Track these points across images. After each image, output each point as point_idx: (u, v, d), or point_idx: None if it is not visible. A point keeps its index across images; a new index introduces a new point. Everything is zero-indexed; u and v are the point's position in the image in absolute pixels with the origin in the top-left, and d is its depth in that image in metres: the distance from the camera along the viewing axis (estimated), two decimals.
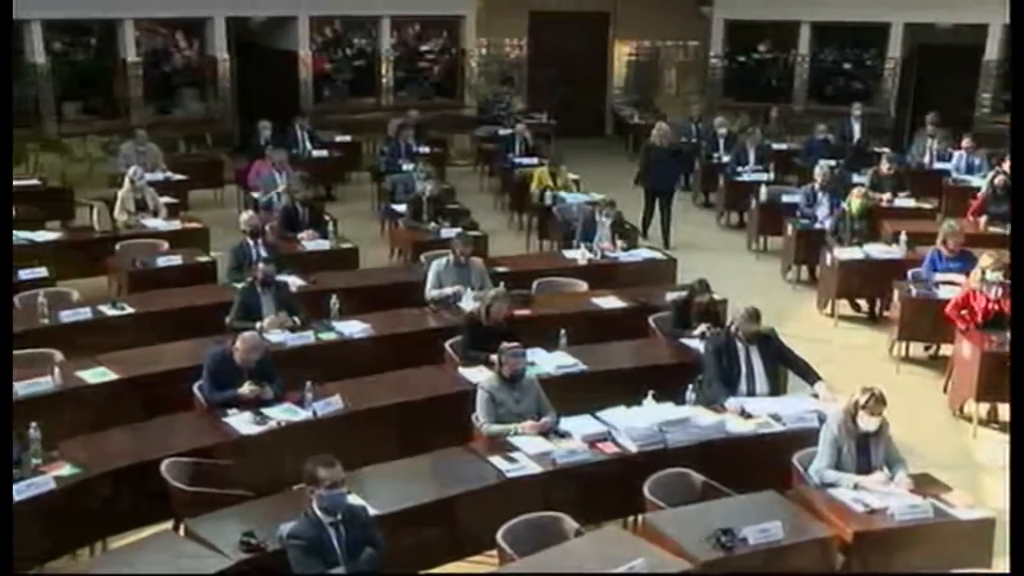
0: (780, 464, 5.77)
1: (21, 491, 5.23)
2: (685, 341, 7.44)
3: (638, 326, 7.92)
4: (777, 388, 6.75)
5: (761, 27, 17.38)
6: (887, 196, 11.42)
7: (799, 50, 16.87)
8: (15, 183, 11.69)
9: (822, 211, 10.67)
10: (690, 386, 6.50)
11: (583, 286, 8.79)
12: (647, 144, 12.39)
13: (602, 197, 10.59)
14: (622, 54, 18.50)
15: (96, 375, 6.69)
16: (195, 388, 6.39)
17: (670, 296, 8.07)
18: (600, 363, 7.20)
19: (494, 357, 6.45)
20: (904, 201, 11.47)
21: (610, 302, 8.38)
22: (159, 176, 11.78)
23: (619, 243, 9.60)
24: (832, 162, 12.12)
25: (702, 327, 7.37)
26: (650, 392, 6.32)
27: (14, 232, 9.45)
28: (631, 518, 5.83)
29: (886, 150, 13.27)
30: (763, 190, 11.76)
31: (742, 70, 17.66)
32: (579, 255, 9.49)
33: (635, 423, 6.03)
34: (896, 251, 9.55)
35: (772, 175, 12.55)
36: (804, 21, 16.62)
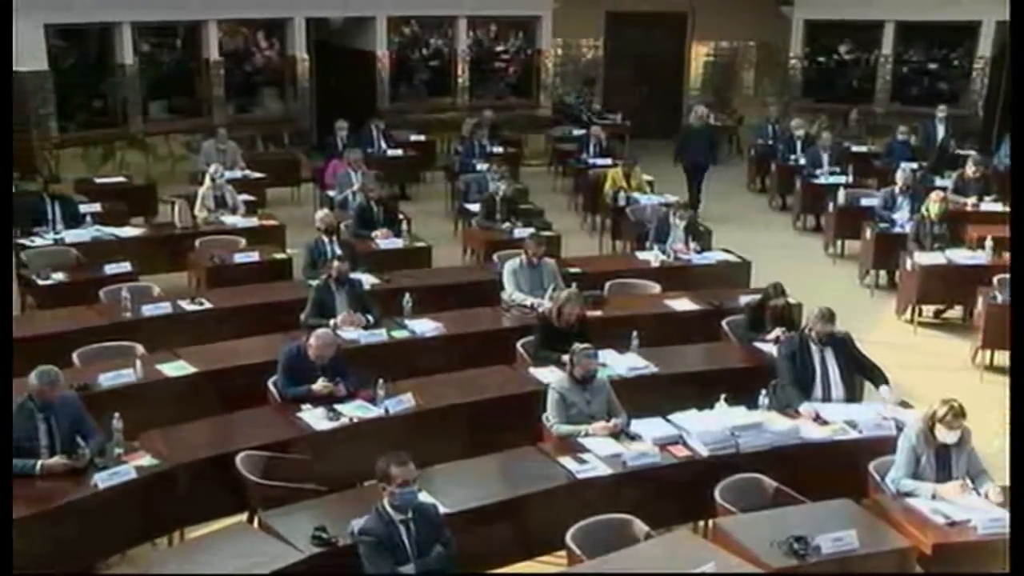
0: (855, 472, 5.66)
1: (104, 479, 5.38)
2: (759, 345, 7.34)
3: (711, 329, 7.84)
4: (854, 394, 6.63)
5: (842, 27, 17.06)
6: (972, 200, 11.13)
7: (882, 50, 16.51)
8: (103, 180, 12.08)
9: (902, 215, 10.44)
10: (763, 390, 6.41)
11: (656, 288, 8.73)
12: (684, 125, 13.20)
13: (676, 199, 10.51)
14: (699, 55, 18.33)
15: (175, 368, 6.84)
16: (270, 383, 6.49)
17: (744, 299, 7.97)
18: (672, 366, 7.15)
19: (565, 358, 6.44)
20: (991, 205, 11.15)
21: (683, 304, 8.31)
22: (238, 174, 11.99)
23: (693, 245, 9.51)
24: (914, 165, 11.86)
25: (776, 331, 7.26)
26: (722, 396, 6.25)
27: (101, 227, 9.73)
28: (701, 523, 5.77)
29: (972, 152, 12.92)
30: (841, 193, 11.55)
31: (822, 71, 17.36)
32: (652, 257, 9.42)
33: (707, 427, 5.97)
34: (981, 256, 9.30)
35: (851, 178, 12.32)
36: (888, 20, 16.26)
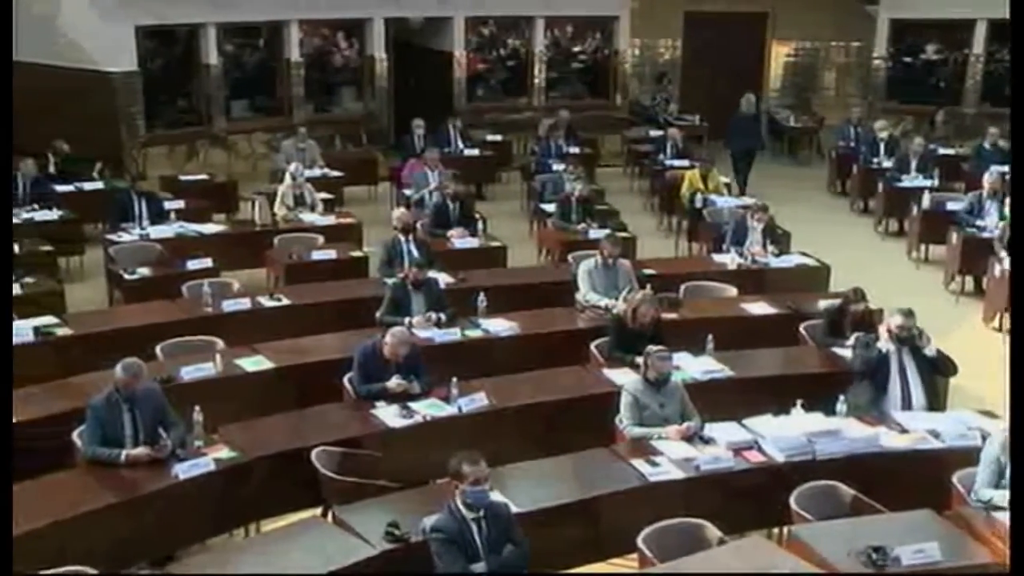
0: (937, 483, 5.52)
1: (185, 470, 5.50)
2: (837, 350, 7.21)
3: (788, 333, 7.72)
4: (936, 401, 6.47)
5: (930, 26, 16.65)
6: None
7: (972, 49, 16.07)
8: (188, 178, 12.35)
9: (990, 219, 10.16)
10: (841, 397, 6.30)
11: (732, 291, 8.63)
12: (735, 112, 13.96)
13: (754, 201, 10.38)
14: (779, 55, 18.04)
15: (253, 363, 6.95)
16: (345, 380, 6.56)
17: (823, 304, 7.84)
18: (747, 370, 7.06)
19: (639, 359, 6.40)
20: None
21: (760, 308, 8.20)
22: (317, 172, 12.15)
23: (770, 248, 9.37)
24: (1004, 168, 11.52)
25: (855, 336, 7.12)
26: (799, 401, 6.15)
27: (184, 224, 9.95)
28: (775, 529, 5.69)
29: None
30: (926, 196, 11.28)
31: (907, 71, 16.96)
32: (729, 259, 9.31)
33: (783, 432, 5.88)
34: None
35: (936, 181, 12.02)
36: (979, 19, 15.81)
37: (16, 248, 8.66)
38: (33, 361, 6.99)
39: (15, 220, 9.81)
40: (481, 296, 7.93)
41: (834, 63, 18.07)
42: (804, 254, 9.52)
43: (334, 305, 8.17)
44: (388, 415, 6.22)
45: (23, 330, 7.21)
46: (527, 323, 7.77)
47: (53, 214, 10.27)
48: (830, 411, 6.18)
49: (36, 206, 10.26)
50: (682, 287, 8.50)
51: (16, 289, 8.08)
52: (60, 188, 10.94)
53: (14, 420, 6.02)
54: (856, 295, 7.34)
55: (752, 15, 17.34)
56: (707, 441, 5.94)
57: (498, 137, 14.76)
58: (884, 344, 6.48)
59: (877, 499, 5.31)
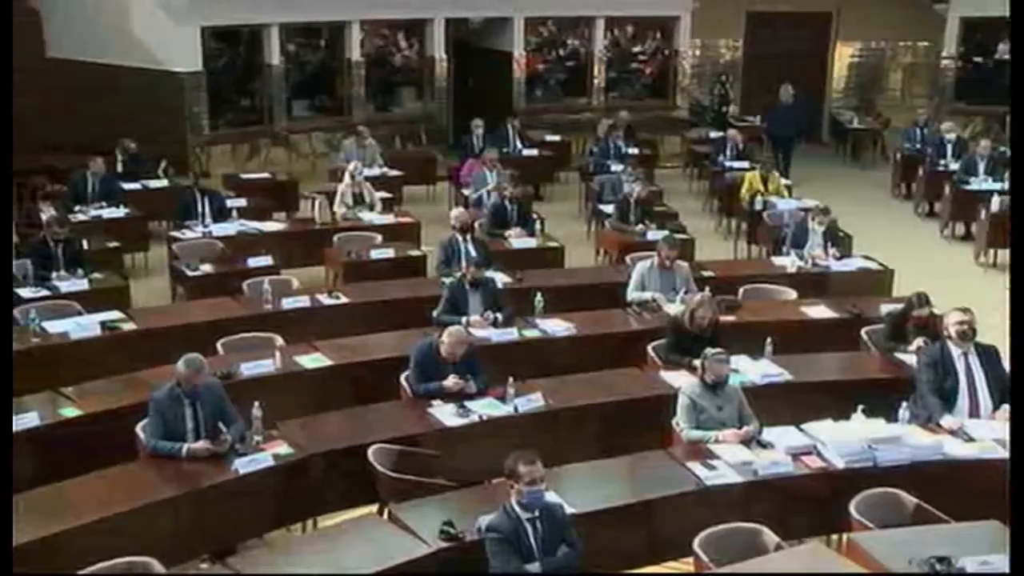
0: (1005, 493, 5.38)
1: (244, 465, 5.57)
2: (900, 356, 7.08)
3: (849, 338, 7.60)
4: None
5: (1003, 25, 16.25)
6: None
7: None
8: (249, 177, 12.52)
9: None
10: (903, 403, 6.18)
11: (792, 294, 8.52)
12: (776, 102, 14.60)
13: (815, 204, 10.24)
14: (844, 55, 17.77)
15: (312, 360, 7.02)
16: (402, 378, 6.60)
17: (885, 308, 7.70)
18: (807, 374, 6.97)
19: (696, 362, 6.35)
20: None
21: (820, 312, 8.09)
22: (376, 172, 12.23)
23: (832, 251, 9.24)
24: None
25: (919, 342, 6.99)
26: (859, 407, 6.04)
27: (245, 221, 10.09)
28: (835, 536, 5.61)
29: None
30: (995, 200, 11.03)
31: (977, 71, 16.59)
32: (788, 262, 9.20)
33: (843, 438, 5.79)
34: None
35: (1007, 184, 11.75)
36: None
37: (84, 244, 8.84)
38: (98, 355, 7.16)
39: (84, 217, 10.03)
40: (538, 296, 7.93)
41: (900, 63, 17.75)
42: (867, 258, 9.36)
43: (392, 304, 8.22)
44: (444, 414, 6.25)
45: (90, 324, 7.36)
46: (584, 324, 7.75)
47: (120, 211, 10.47)
48: (892, 417, 6.07)
49: (104, 203, 10.48)
50: (741, 290, 8.42)
51: (84, 284, 8.26)
52: (127, 186, 11.16)
53: (80, 412, 6.17)
54: (920, 300, 7.20)
55: (816, 15, 17.10)
56: (765, 445, 5.88)
57: (557, 137, 14.76)
58: (950, 347, 6.34)
59: (941, 508, 5.21)
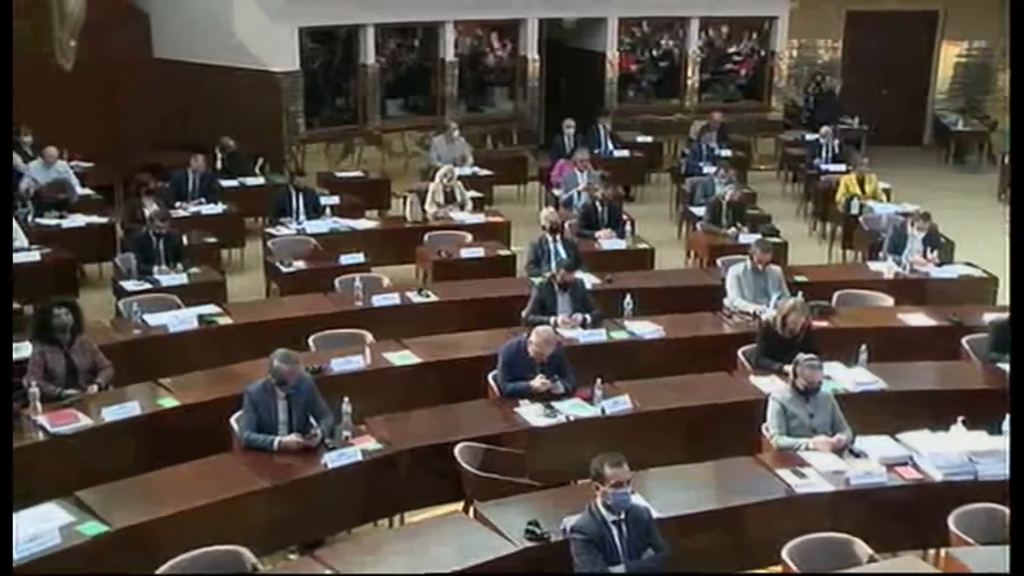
0: None
1: (333, 460, 5.65)
2: (1003, 366, 6.84)
3: (949, 347, 7.39)
4: None
5: None
6: None
7: None
8: (342, 174, 12.72)
9: None
10: (1007, 415, 5.96)
11: (888, 301, 8.32)
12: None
13: (916, 208, 9.97)
14: (949, 55, 17.26)
15: (401, 358, 7.10)
16: (490, 377, 6.62)
17: (989, 317, 7.47)
18: (903, 383, 6.80)
19: (788, 368, 6.24)
20: None
21: (918, 319, 7.88)
22: (468, 171, 12.30)
23: (932, 256, 8.99)
24: None
25: None
26: (959, 418, 5.87)
27: (338, 219, 10.24)
28: (931, 550, 5.45)
29: None
30: None
31: None
32: (886, 268, 8.98)
33: (941, 450, 5.63)
34: None
35: None
36: None
37: (184, 239, 9.08)
38: (195, 347, 7.34)
39: (184, 213, 10.31)
40: (627, 298, 7.88)
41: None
42: (969, 264, 9.08)
43: (481, 303, 8.26)
44: (531, 414, 6.25)
45: (188, 318, 7.56)
46: (673, 327, 7.67)
47: (218, 208, 10.73)
48: (995, 430, 5.86)
49: (203, 200, 10.75)
50: (835, 295, 8.24)
51: (183, 278, 8.48)
52: (225, 183, 11.43)
53: (177, 403, 6.33)
54: None
55: (921, 14, 16.65)
56: (858, 454, 5.75)
57: (648, 139, 14.64)
58: None
59: None
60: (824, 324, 7.59)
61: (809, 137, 14.46)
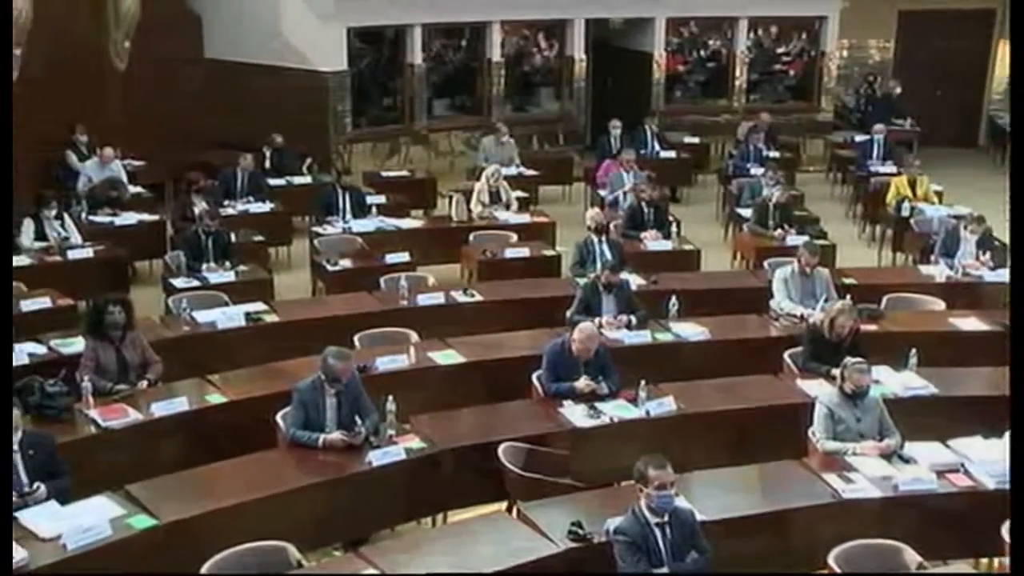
0: None
1: (378, 458, 5.69)
2: None
3: (1003, 352, 7.22)
4: None
5: None
6: None
7: None
8: (388, 174, 12.78)
9: None
10: None
11: (940, 304, 8.20)
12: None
13: (969, 211, 9.81)
14: (1006, 55, 16.94)
15: (445, 357, 7.11)
16: (534, 377, 6.62)
17: None
18: (954, 388, 6.70)
19: (835, 371, 6.18)
20: None
21: (971, 324, 7.75)
22: (513, 171, 12.30)
23: (985, 260, 8.83)
24: None
25: None
26: None
27: (384, 218, 10.29)
28: (984, 560, 5.36)
29: None
30: None
31: None
32: (937, 271, 8.85)
33: (994, 457, 5.52)
34: None
35: None
36: None
37: (232, 237, 9.17)
38: (242, 344, 7.41)
39: (232, 211, 10.42)
40: (672, 299, 7.83)
41: None
42: None
43: (525, 303, 8.26)
44: (575, 415, 6.24)
45: (235, 315, 7.64)
46: (719, 329, 7.62)
47: (265, 206, 10.84)
48: None
49: (251, 198, 10.86)
50: (884, 298, 8.14)
51: (231, 276, 8.58)
52: (273, 182, 11.54)
53: (225, 400, 6.40)
54: None
55: (977, 12, 16.35)
56: (907, 460, 5.67)
57: (695, 139, 14.55)
58: None
59: None
60: (873, 328, 7.50)
61: (859, 138, 14.28)
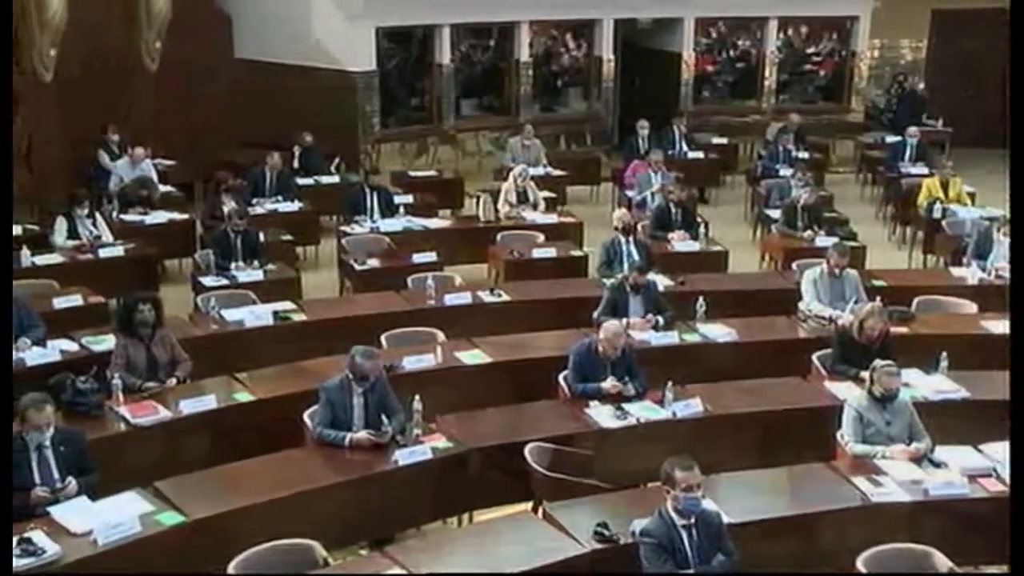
0: None
1: (404, 457, 5.70)
2: None
3: None
4: None
5: None
6: None
7: None
8: (416, 174, 12.81)
9: None
10: None
11: (972, 307, 8.11)
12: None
13: (1002, 213, 9.70)
14: None
15: (472, 357, 7.12)
16: (560, 378, 6.61)
17: None
18: (986, 392, 6.59)
19: (864, 374, 6.13)
20: None
21: (1003, 327, 7.62)
22: (540, 171, 12.29)
23: None
24: None
25: None
26: None
27: (412, 218, 10.31)
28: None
29: None
30: None
31: None
32: (969, 274, 8.76)
33: None
34: None
35: None
36: None
37: (261, 236, 9.23)
38: (270, 343, 7.45)
39: (261, 210, 10.48)
40: (700, 300, 7.80)
41: None
42: None
43: (552, 303, 8.25)
44: (602, 415, 6.23)
45: (264, 314, 7.68)
46: (746, 330, 7.58)
47: (294, 206, 10.89)
48: None
49: (279, 198, 10.92)
50: (915, 301, 8.06)
51: (259, 275, 8.62)
52: (301, 181, 11.59)
53: (252, 398, 6.44)
54: None
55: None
56: (937, 464, 5.62)
57: (724, 140, 14.49)
58: None
59: None
60: (903, 330, 7.43)
61: (890, 139, 14.17)
